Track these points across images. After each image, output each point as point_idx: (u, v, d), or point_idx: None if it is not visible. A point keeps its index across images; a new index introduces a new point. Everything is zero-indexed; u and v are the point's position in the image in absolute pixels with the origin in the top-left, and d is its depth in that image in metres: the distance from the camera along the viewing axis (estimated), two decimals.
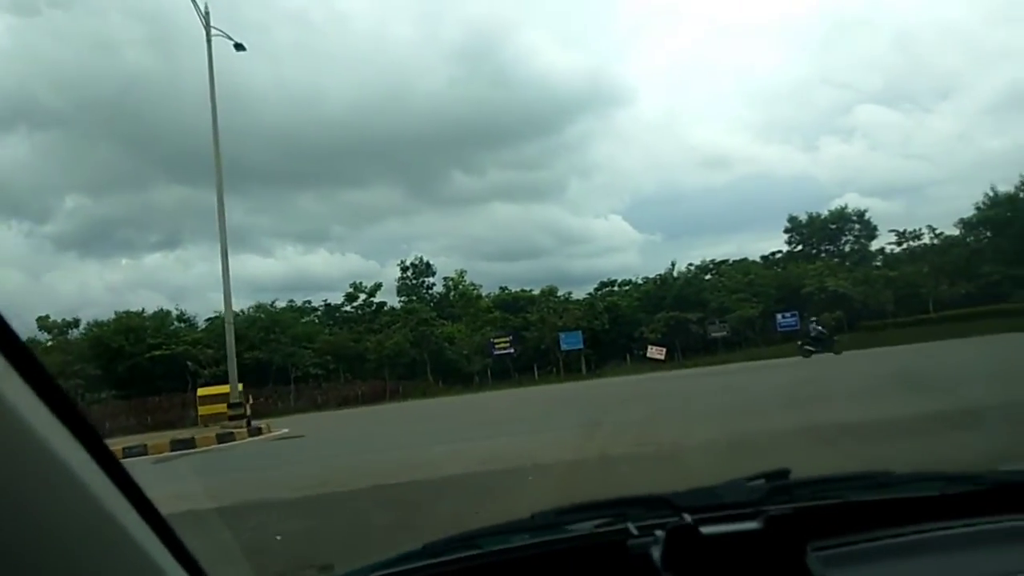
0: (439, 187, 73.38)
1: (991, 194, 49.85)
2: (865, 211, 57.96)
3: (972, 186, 70.68)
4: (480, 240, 76.65)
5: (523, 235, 74.79)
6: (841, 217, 58.70)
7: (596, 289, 58.63)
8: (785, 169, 76.38)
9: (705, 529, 1.06)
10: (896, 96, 79.59)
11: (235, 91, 57.60)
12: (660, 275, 51.61)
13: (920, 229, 47.94)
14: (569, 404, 19.81)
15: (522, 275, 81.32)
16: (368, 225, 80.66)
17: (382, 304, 51.61)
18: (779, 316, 42.80)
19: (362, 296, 50.91)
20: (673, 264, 52.41)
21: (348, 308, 52.54)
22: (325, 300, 54.20)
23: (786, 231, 60.86)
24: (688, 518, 1.09)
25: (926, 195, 79.03)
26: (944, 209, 78.23)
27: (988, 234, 47.80)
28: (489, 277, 70.66)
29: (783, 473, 1.32)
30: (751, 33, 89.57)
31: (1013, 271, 45.09)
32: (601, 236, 75.74)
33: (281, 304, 51.23)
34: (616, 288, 57.56)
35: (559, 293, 49.00)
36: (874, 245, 58.08)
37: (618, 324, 47.57)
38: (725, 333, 42.20)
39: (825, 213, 59.49)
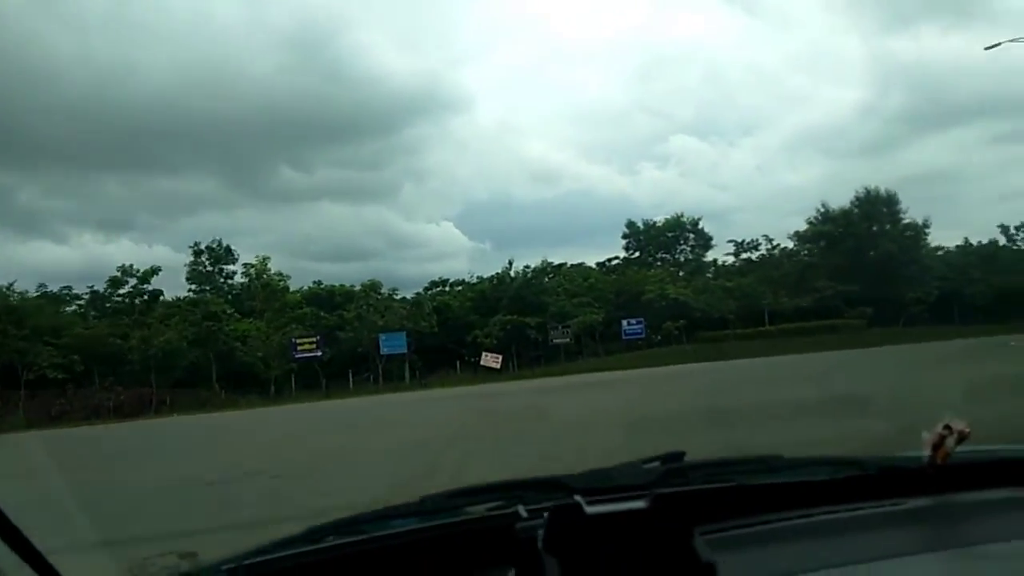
0: (264, 181, 67.70)
1: (822, 210, 50.48)
2: (699, 220, 57.21)
3: (766, 215, 75.80)
4: (307, 239, 72.50)
5: (353, 236, 71.18)
6: (677, 225, 57.40)
7: (425, 289, 52.78)
8: (607, 188, 79.42)
9: (590, 509, 1.03)
10: (706, 128, 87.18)
11: (34, 62, 51.04)
12: (496, 275, 46.68)
13: (757, 240, 47.00)
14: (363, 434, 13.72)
15: (351, 277, 75.81)
16: (182, 216, 73.13)
17: (158, 293, 42.03)
18: (625, 323, 39.30)
19: (131, 281, 40.91)
20: (510, 263, 47.57)
21: (118, 297, 42.41)
22: (91, 287, 43.47)
23: (624, 236, 58.71)
24: (579, 499, 1.06)
25: (728, 221, 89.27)
26: (742, 234, 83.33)
27: (821, 246, 47.92)
28: (316, 278, 64.73)
29: (678, 456, 1.31)
30: (582, 58, 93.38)
31: (844, 287, 45.21)
32: (433, 241, 74.39)
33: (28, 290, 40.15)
34: (448, 288, 52.05)
35: (382, 290, 42.30)
36: (708, 256, 57.54)
37: (449, 327, 41.93)
38: (567, 340, 37.92)
39: (661, 221, 58.16)
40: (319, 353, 35.47)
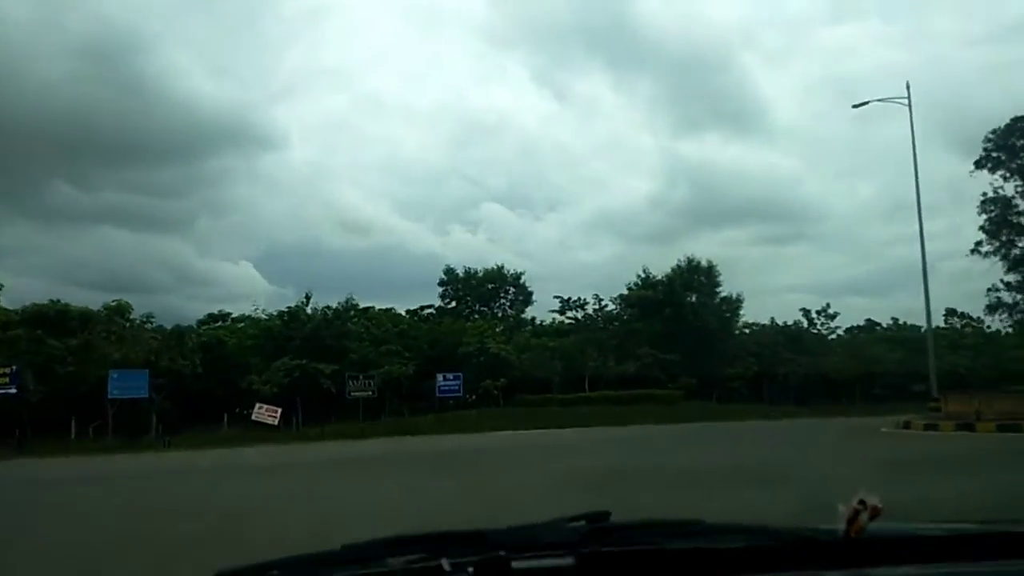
0: (35, 195, 59.83)
1: (643, 275, 48.96)
2: (522, 274, 53.71)
3: (566, 286, 79.37)
4: (80, 265, 62.00)
5: (135, 266, 62.77)
6: (498, 277, 53.43)
7: (200, 323, 43.52)
8: (419, 246, 79.30)
9: (517, 564, 1.04)
10: (516, 200, 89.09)
11: None
12: (289, 309, 38.98)
13: (585, 298, 43.95)
14: None
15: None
16: None
17: None
18: (440, 377, 33.52)
19: None
20: (307, 297, 40.07)
21: None
22: None
23: (441, 284, 53.63)
24: (504, 555, 1.06)
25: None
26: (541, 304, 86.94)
27: (641, 312, 45.89)
28: None
29: (603, 515, 1.33)
30: (402, 114, 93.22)
31: (664, 355, 43.19)
32: (228, 280, 69.75)
33: None
34: (227, 323, 43.24)
35: (132, 315, 32.82)
36: (528, 313, 53.94)
37: (219, 369, 33.59)
38: (370, 393, 31.26)
39: (481, 271, 53.87)
40: (14, 390, 25.65)
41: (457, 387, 33.47)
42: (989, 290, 32.29)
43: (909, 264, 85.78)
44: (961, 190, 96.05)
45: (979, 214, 31.26)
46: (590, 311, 42.79)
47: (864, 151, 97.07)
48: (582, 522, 1.29)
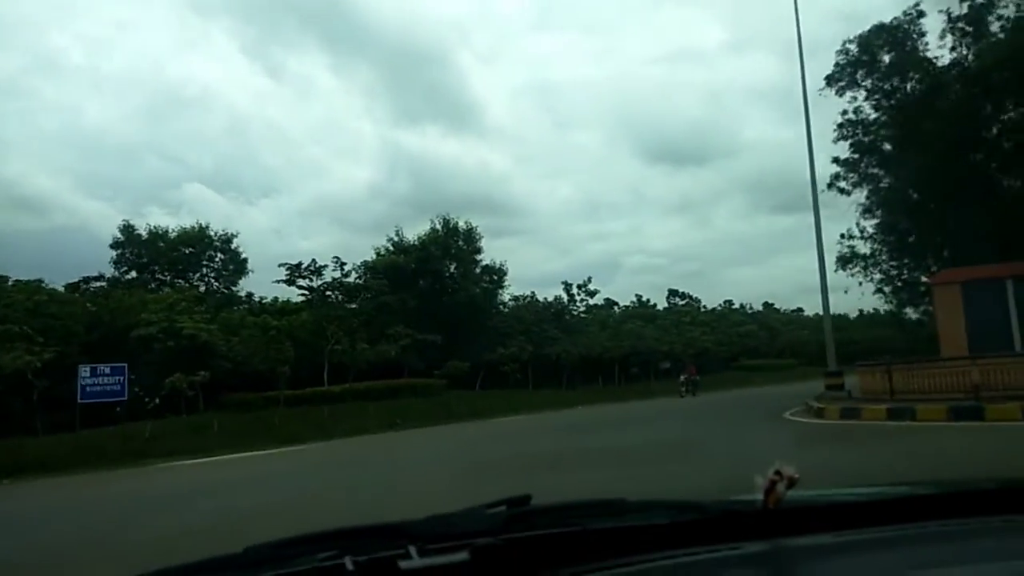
0: None
1: (396, 237, 39.97)
2: (234, 236, 41.08)
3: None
4: None
5: None
6: (199, 239, 40.20)
7: None
8: (107, 228, 63.80)
9: (404, 563, 1.01)
10: (224, 183, 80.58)
11: None
12: None
13: (322, 264, 33.37)
14: None
15: None
16: None
17: None
18: (84, 371, 21.15)
19: None
20: None
21: None
22: None
23: (115, 247, 39.02)
24: (412, 550, 1.04)
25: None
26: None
27: (393, 282, 36.72)
28: None
29: (524, 500, 1.31)
30: (86, 79, 77.08)
31: (422, 336, 34.74)
32: None
33: None
34: None
35: None
36: (245, 287, 41.66)
37: None
38: None
39: (176, 230, 40.23)
40: None
41: (118, 386, 21.33)
42: (843, 237, 28.19)
43: (603, 258, 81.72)
44: (642, 192, 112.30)
45: (835, 141, 26.76)
46: (328, 279, 32.60)
47: (563, 154, 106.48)
48: (502, 507, 1.25)
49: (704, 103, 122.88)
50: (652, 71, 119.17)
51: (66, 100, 75.21)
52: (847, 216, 28.90)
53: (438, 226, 39.07)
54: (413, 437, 21.27)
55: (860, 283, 28.06)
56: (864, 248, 27.35)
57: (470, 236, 39.82)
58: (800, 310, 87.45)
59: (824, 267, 20.86)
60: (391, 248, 38.75)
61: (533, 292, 45.91)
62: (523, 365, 36.48)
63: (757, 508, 1.23)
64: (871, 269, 27.38)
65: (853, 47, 24.70)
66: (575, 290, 47.35)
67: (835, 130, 26.12)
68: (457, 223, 39.31)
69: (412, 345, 34.00)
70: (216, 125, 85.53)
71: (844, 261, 27.83)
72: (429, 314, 36.38)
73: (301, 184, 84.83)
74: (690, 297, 70.07)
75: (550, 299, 46.11)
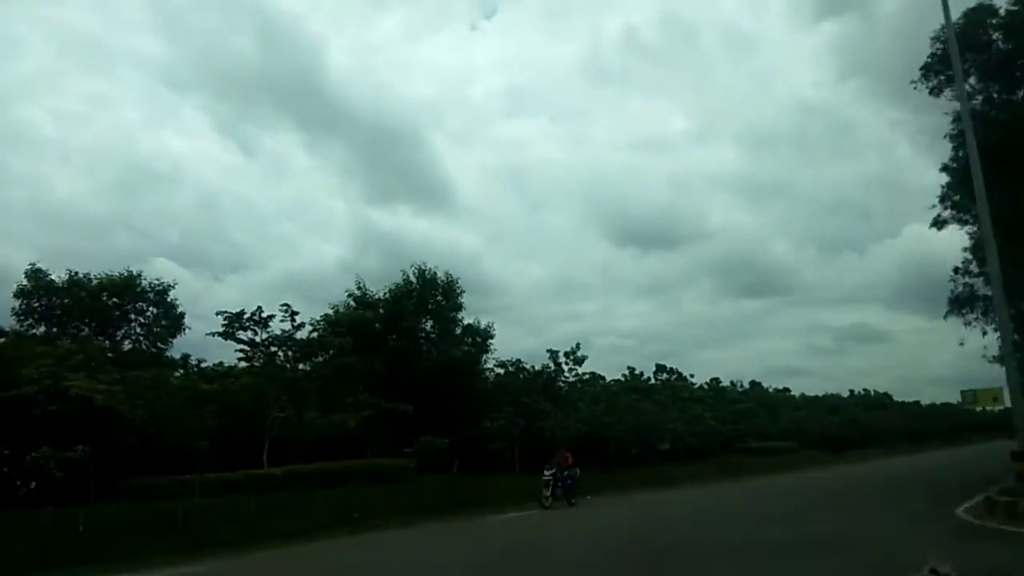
0: None
1: (358, 290, 33.94)
2: (171, 287, 34.55)
3: None
4: None
5: None
6: (126, 286, 33.55)
7: None
8: None
9: None
10: (192, 258, 78.67)
11: None
12: None
13: (267, 315, 27.03)
14: None
15: None
16: None
17: None
18: None
19: None
20: None
21: None
22: None
23: (18, 295, 32.22)
24: None
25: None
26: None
27: (354, 341, 30.47)
28: None
29: None
30: (53, 152, 78.78)
31: (390, 404, 28.43)
32: None
33: None
34: None
35: None
36: (182, 346, 34.89)
37: None
38: None
39: (98, 278, 33.66)
40: None
41: None
42: (956, 272, 23.10)
43: (575, 338, 79.12)
44: (612, 274, 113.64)
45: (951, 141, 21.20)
46: (277, 332, 26.21)
47: (534, 235, 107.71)
48: None
49: (670, 189, 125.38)
50: (620, 157, 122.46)
51: (34, 172, 74.33)
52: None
53: (412, 277, 33.30)
54: (379, 545, 14.94)
55: (984, 332, 22.86)
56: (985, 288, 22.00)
57: (450, 290, 34.02)
58: (787, 389, 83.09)
59: (1005, 308, 15.15)
60: (354, 304, 32.68)
61: (519, 360, 39.91)
62: (512, 443, 30.19)
63: None
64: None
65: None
66: (562, 358, 41.37)
67: (950, 134, 21.04)
68: (435, 274, 33.59)
69: (377, 416, 27.65)
70: (185, 200, 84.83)
71: (959, 304, 22.75)
72: (399, 380, 30.17)
73: (271, 260, 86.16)
74: (678, 372, 64.65)
75: (536, 368, 40.12)
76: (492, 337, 34.97)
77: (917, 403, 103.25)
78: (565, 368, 41.28)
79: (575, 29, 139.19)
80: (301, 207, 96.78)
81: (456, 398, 30.67)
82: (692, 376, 63.23)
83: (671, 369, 64.13)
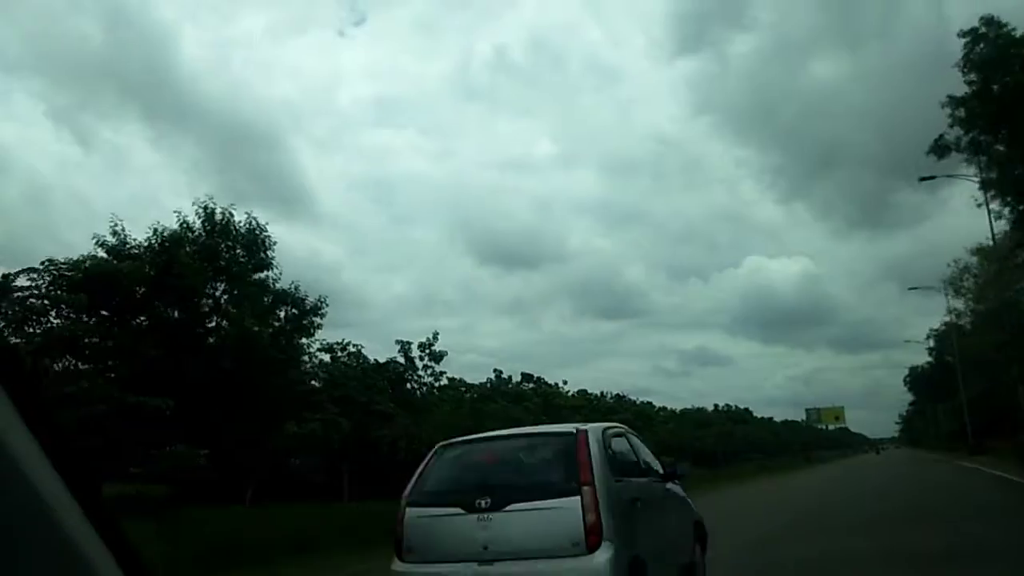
0: None
1: (114, 230, 22.95)
2: None
3: None
4: None
5: None
6: None
7: None
8: None
9: None
10: (14, 257, 55.84)
11: None
12: None
13: None
14: None
15: None
16: None
17: None
18: None
19: None
20: None
21: None
22: None
23: None
24: None
25: None
26: None
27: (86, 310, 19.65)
28: None
29: None
30: None
31: (142, 399, 17.99)
32: None
33: None
34: None
35: None
36: None
37: None
38: None
39: None
40: None
41: None
42: None
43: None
44: (475, 291, 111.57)
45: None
46: None
47: (398, 249, 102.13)
48: None
49: (534, 210, 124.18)
50: (487, 175, 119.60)
51: None
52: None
53: (194, 217, 22.69)
54: None
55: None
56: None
57: (253, 243, 23.77)
58: (651, 404, 78.95)
59: None
60: (104, 255, 21.58)
61: (360, 346, 30.10)
62: (335, 456, 20.48)
63: None
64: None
65: None
66: (416, 351, 31.97)
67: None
68: (230, 216, 23.21)
69: (114, 413, 17.14)
70: (12, 193, 68.67)
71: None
72: (164, 362, 19.69)
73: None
74: (545, 381, 57.08)
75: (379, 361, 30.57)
76: (321, 314, 24.91)
77: (771, 419, 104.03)
78: (419, 364, 31.92)
79: (445, 44, 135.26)
80: (144, 205, 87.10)
81: (255, 393, 20.54)
82: (565, 383, 56.07)
83: (537, 378, 56.59)
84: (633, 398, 72.22)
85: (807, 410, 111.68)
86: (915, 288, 52.81)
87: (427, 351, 31.51)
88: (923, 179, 30.51)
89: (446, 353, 32.00)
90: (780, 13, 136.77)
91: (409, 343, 31.31)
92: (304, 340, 25.03)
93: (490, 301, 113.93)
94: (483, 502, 5.23)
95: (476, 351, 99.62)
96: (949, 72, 22.46)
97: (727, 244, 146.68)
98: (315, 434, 19.38)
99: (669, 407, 76.49)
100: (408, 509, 5.67)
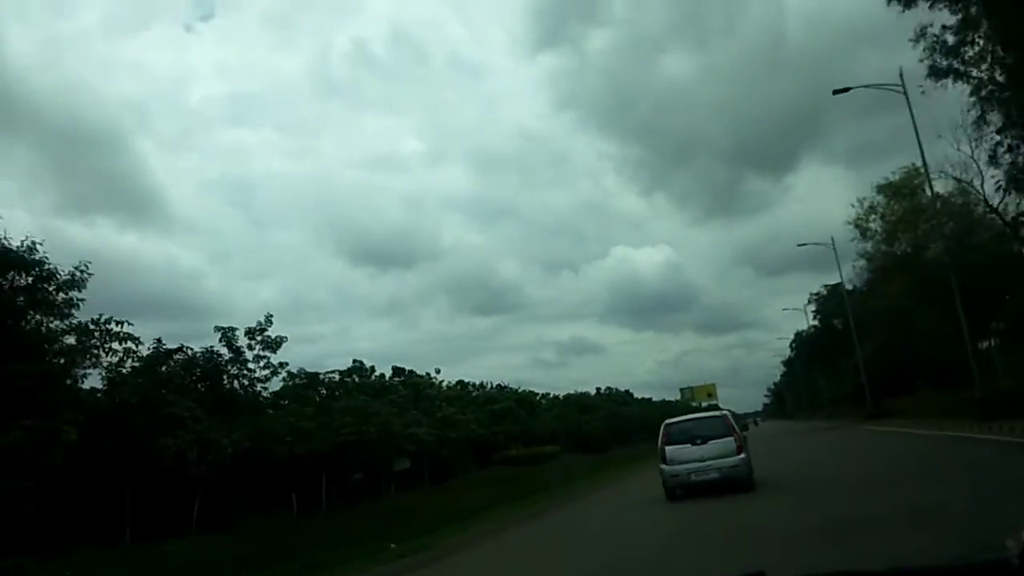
0: None
1: None
2: None
3: None
4: None
5: None
6: None
7: None
8: None
9: None
10: None
11: None
12: None
13: None
14: None
15: None
16: None
17: None
18: None
19: None
20: None
21: None
22: None
23: None
24: None
25: None
26: None
27: None
28: None
29: (760, 574, 1.33)
30: None
31: None
32: None
33: None
34: None
35: None
36: None
37: None
38: None
39: None
40: None
41: None
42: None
43: (310, 361, 74.33)
44: (348, 294, 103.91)
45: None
46: None
47: (263, 254, 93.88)
48: None
49: (404, 208, 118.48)
50: (353, 174, 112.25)
51: None
52: None
53: None
54: None
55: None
56: None
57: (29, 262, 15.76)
58: (533, 393, 74.79)
59: None
60: None
61: (159, 338, 22.34)
62: (58, 477, 13.20)
63: (1013, 567, 1.18)
64: None
65: None
66: (242, 339, 24.48)
67: None
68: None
69: None
70: None
71: None
72: None
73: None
74: (416, 374, 50.55)
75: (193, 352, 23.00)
76: (79, 287, 17.15)
77: (650, 399, 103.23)
78: (249, 355, 24.46)
79: (301, 39, 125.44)
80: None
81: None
82: (439, 373, 49.66)
83: (409, 372, 49.94)
84: (515, 387, 67.62)
85: (681, 389, 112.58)
86: (804, 244, 50.67)
87: (257, 338, 24.23)
88: (837, 92, 26.92)
89: (285, 339, 24.85)
90: (633, 8, 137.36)
91: (233, 329, 23.91)
92: (56, 322, 17.37)
93: (365, 303, 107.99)
94: (698, 440, 15.14)
95: (354, 354, 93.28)
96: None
97: (594, 236, 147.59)
98: (16, 447, 12.02)
99: (552, 394, 72.44)
100: (666, 447, 15.42)
